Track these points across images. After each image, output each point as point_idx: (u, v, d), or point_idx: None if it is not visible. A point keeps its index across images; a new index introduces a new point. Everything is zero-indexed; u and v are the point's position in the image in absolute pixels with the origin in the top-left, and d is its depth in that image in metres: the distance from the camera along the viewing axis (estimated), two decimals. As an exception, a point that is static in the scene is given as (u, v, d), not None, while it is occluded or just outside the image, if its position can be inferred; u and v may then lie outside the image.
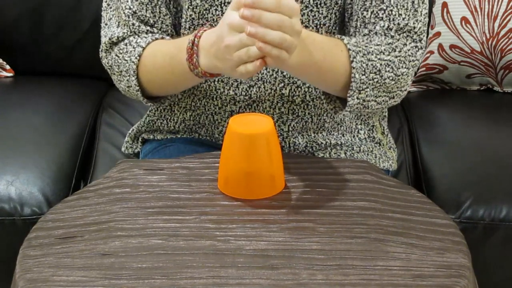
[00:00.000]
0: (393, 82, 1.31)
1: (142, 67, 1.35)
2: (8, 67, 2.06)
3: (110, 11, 1.42)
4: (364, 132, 1.48)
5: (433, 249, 1.09)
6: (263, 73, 1.37)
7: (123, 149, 1.61)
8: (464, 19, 1.90)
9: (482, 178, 1.66)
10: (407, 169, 1.78)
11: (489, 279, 1.62)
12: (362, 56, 1.27)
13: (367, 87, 1.28)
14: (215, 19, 1.35)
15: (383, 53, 1.30)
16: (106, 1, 1.43)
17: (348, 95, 1.28)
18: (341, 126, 1.45)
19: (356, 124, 1.47)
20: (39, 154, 1.71)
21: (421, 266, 1.06)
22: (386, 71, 1.29)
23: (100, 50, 1.43)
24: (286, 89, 1.38)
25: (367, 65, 1.27)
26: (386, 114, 1.56)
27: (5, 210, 1.60)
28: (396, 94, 1.33)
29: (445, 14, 1.91)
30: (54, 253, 1.09)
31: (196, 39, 1.24)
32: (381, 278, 1.03)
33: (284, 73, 1.37)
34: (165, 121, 1.50)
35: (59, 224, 1.16)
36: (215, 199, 1.19)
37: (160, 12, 1.40)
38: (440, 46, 1.93)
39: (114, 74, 1.41)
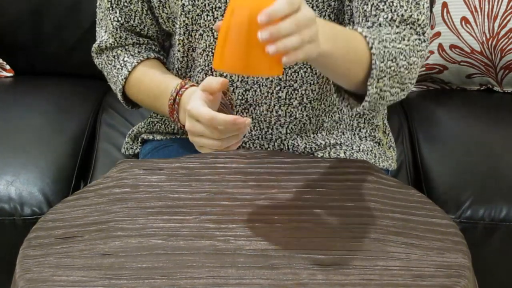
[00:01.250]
0: (406, 71, 1.28)
1: (127, 89, 1.46)
2: (8, 67, 2.06)
3: (100, 11, 1.48)
4: (366, 131, 1.48)
5: (433, 249, 1.09)
6: (258, 77, 1.37)
7: (123, 150, 1.61)
8: (464, 19, 1.90)
9: (482, 178, 1.66)
10: (407, 169, 1.78)
11: (489, 279, 1.62)
12: (379, 43, 1.24)
13: (385, 76, 1.25)
14: (207, 25, 1.36)
15: (395, 41, 1.27)
16: (98, 0, 1.49)
17: (368, 83, 1.23)
18: (340, 125, 1.45)
19: (358, 122, 1.47)
20: (39, 154, 1.71)
21: (421, 266, 1.06)
22: (400, 59, 1.27)
23: (92, 50, 1.52)
24: (282, 92, 1.38)
25: (384, 52, 1.24)
26: (386, 112, 1.56)
27: (5, 210, 1.61)
28: (406, 86, 1.31)
29: (445, 14, 1.91)
30: (54, 253, 1.09)
31: (178, 97, 1.32)
32: (381, 278, 1.03)
33: (280, 76, 1.37)
34: (163, 125, 1.51)
35: (59, 224, 1.16)
36: (215, 199, 1.19)
37: (146, 22, 1.46)
38: (440, 46, 1.93)
39: (104, 73, 1.52)
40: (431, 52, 1.95)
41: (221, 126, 1.22)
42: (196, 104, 1.24)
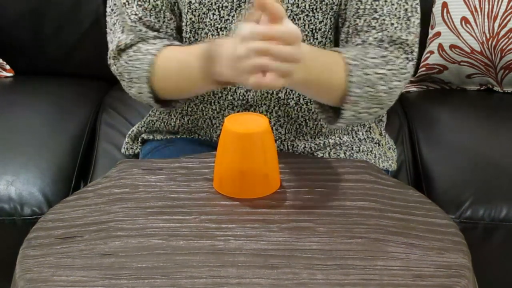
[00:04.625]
0: (385, 95, 1.32)
1: (154, 74, 1.35)
2: (8, 67, 2.06)
3: (114, 16, 1.41)
4: (362, 133, 1.48)
5: (433, 249, 1.09)
6: None
7: (123, 150, 1.61)
8: (464, 19, 1.90)
9: (482, 178, 1.66)
10: (407, 169, 1.78)
11: (489, 279, 1.62)
12: (359, 70, 1.28)
13: (362, 100, 1.30)
14: (212, 24, 1.35)
15: (378, 67, 1.30)
16: (109, 6, 1.42)
17: (343, 108, 1.30)
18: (337, 130, 1.45)
19: (353, 126, 1.47)
20: (39, 154, 1.71)
21: (421, 266, 1.06)
22: (380, 85, 1.30)
23: (108, 57, 1.42)
24: (282, 92, 1.38)
25: (363, 79, 1.29)
26: (384, 118, 1.56)
27: (5, 210, 1.60)
28: (386, 105, 1.35)
29: (445, 14, 1.91)
30: (54, 253, 1.09)
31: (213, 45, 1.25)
32: (381, 278, 1.03)
33: None
34: (162, 124, 1.51)
35: (59, 224, 1.16)
36: (215, 199, 1.19)
37: (164, 17, 1.39)
38: (440, 46, 1.93)
39: (124, 80, 1.40)
40: (431, 52, 1.95)
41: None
42: (244, 25, 1.17)
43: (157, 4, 1.38)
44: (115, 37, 1.40)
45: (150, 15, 1.38)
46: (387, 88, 1.31)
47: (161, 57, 1.34)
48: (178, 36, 1.43)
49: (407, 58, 1.34)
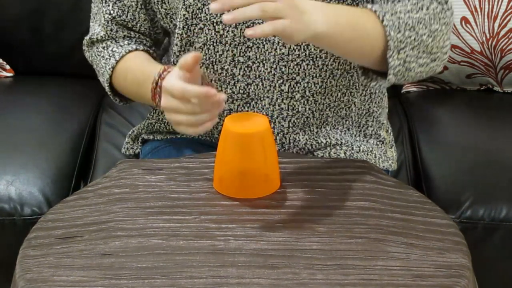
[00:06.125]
0: (430, 39, 1.27)
1: (114, 78, 1.44)
2: (8, 67, 2.06)
3: (95, 6, 1.49)
4: (373, 129, 1.47)
5: (433, 249, 1.09)
6: (261, 71, 1.37)
7: (123, 150, 1.61)
8: (464, 19, 1.90)
9: (482, 178, 1.66)
10: (407, 169, 1.78)
11: (489, 279, 1.62)
12: (391, 15, 1.24)
13: (406, 46, 1.25)
14: (208, 18, 1.35)
15: (411, 12, 1.26)
16: None
17: (388, 55, 1.24)
18: (346, 121, 1.44)
19: (367, 120, 1.46)
20: (39, 154, 1.71)
21: (421, 266, 1.06)
22: (420, 28, 1.25)
23: (83, 43, 1.51)
24: (285, 85, 1.37)
25: (398, 23, 1.24)
26: (386, 104, 1.55)
27: (5, 210, 1.61)
28: (437, 57, 1.30)
29: (445, 14, 1.91)
30: (54, 253, 1.09)
31: (160, 80, 1.29)
32: (381, 278, 1.03)
33: (283, 69, 1.37)
34: (162, 124, 1.51)
35: (59, 224, 1.16)
36: (215, 199, 1.19)
37: (139, 17, 1.45)
38: (440, 46, 1.93)
39: (94, 67, 1.51)
40: (431, 52, 1.95)
41: (194, 99, 1.18)
42: (171, 79, 1.21)
43: (131, 5, 1.43)
44: (93, 28, 1.49)
45: (127, 13, 1.44)
46: (428, 31, 1.26)
47: (122, 66, 1.42)
48: (153, 34, 1.48)
49: (440, 3, 1.29)
